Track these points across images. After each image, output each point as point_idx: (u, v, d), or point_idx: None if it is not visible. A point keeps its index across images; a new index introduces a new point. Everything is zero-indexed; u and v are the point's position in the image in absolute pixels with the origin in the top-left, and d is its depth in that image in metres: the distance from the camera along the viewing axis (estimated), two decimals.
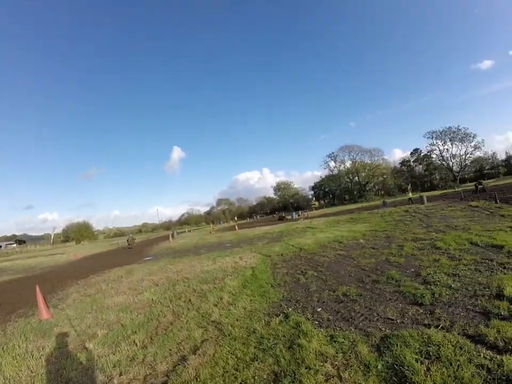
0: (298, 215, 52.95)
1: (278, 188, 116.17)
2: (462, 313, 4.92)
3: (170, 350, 4.87)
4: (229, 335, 4.92)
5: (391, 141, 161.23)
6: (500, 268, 6.87)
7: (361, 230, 16.99)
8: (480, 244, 9.41)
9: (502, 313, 4.63)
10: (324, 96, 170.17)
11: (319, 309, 5.79)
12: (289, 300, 6.53)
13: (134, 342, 5.26)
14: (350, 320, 5.19)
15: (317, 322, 5.23)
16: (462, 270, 7.14)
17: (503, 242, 8.97)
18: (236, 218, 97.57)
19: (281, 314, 5.61)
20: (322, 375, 3.67)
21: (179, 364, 4.37)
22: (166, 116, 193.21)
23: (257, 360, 4.16)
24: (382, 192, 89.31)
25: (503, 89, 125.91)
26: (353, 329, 4.79)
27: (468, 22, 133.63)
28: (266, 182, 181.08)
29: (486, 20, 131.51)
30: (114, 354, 4.89)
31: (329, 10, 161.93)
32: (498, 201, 19.94)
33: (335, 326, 5.03)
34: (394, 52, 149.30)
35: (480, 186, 33.31)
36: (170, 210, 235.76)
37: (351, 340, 4.38)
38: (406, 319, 4.97)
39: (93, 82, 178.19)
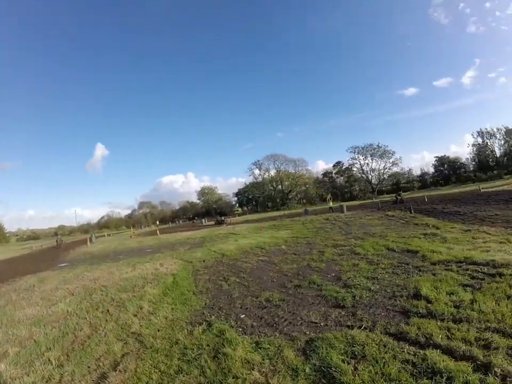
0: (222, 220, 55.56)
1: (202, 192, 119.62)
2: (383, 313, 5.50)
3: (88, 367, 4.67)
4: (151, 347, 4.99)
5: (316, 153, 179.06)
6: (416, 271, 7.89)
7: (283, 236, 18.21)
8: (396, 250, 10.69)
9: (421, 312, 5.29)
10: (254, 106, 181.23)
11: (242, 316, 6.02)
12: (212, 308, 6.78)
13: (49, 360, 5.12)
14: (274, 325, 5.43)
15: (241, 329, 5.39)
16: (380, 273, 8.02)
17: (417, 247, 10.34)
18: (157, 223, 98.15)
19: (204, 323, 5.80)
20: (250, 383, 3.78)
21: (99, 383, 4.18)
22: (91, 110, 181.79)
23: (182, 372, 4.17)
24: (304, 201, 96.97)
25: (422, 115, 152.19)
26: (278, 335, 5.01)
27: (399, 52, 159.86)
28: (191, 187, 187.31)
29: (417, 52, 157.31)
30: (28, 375, 4.71)
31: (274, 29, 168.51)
32: (412, 211, 23.06)
33: (259, 332, 5.21)
34: (328, 74, 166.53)
35: (399, 198, 37.95)
36: (89, 212, 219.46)
37: (277, 346, 4.58)
38: (330, 321, 5.36)
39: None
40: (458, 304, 5.37)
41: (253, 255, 12.71)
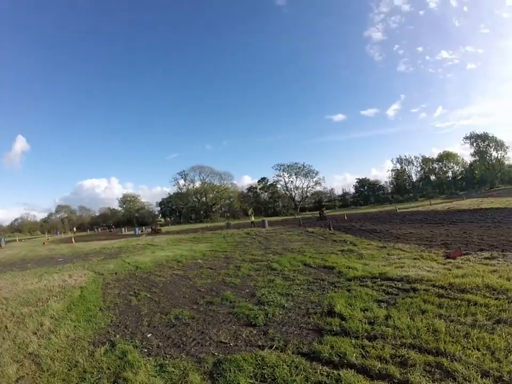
0: (142, 231, 56.00)
1: (124, 200, 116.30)
2: (295, 332, 5.41)
3: None
4: (48, 370, 4.77)
5: (243, 168, 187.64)
6: (331, 287, 8.03)
7: (202, 249, 18.49)
8: (313, 265, 10.94)
9: (334, 329, 5.26)
10: (183, 117, 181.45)
11: (149, 335, 5.94)
12: (118, 326, 6.61)
13: None
14: (182, 346, 5.25)
15: (146, 350, 5.21)
16: (295, 289, 8.05)
17: (334, 263, 10.67)
18: (75, 229, 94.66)
19: (108, 343, 5.63)
20: None
21: None
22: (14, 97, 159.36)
23: None
24: (228, 214, 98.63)
25: (347, 139, 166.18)
26: (184, 356, 4.82)
27: (333, 81, 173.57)
28: (113, 193, 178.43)
29: (349, 82, 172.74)
30: None
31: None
32: (332, 228, 24.15)
33: (165, 353, 5.00)
34: (263, 91, 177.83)
35: (322, 214, 40.65)
36: (1, 212, 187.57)
37: (182, 369, 4.37)
38: (240, 341, 5.19)
39: None
40: (372, 320, 5.44)
41: (168, 269, 12.77)
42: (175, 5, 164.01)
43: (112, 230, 78.71)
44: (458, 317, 5.24)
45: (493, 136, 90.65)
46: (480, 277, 7.07)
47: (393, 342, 4.57)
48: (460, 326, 4.88)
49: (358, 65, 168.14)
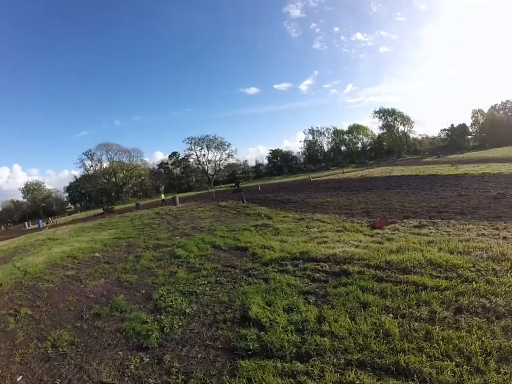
0: (47, 223, 50.12)
1: (28, 189, 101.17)
2: (200, 356, 4.12)
3: None
4: None
5: (155, 144, 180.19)
6: (244, 276, 6.65)
7: (103, 239, 16.98)
8: (223, 247, 9.55)
9: (251, 347, 3.91)
10: (90, 89, 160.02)
11: (19, 378, 4.71)
12: None
13: None
14: None
15: None
16: (201, 284, 6.64)
17: (247, 243, 9.33)
18: None
19: None
20: None
21: None
22: None
23: None
24: (140, 193, 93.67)
25: (260, 112, 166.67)
26: None
27: (249, 55, 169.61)
28: (18, 182, 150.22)
29: (264, 57, 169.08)
30: None
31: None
32: (245, 200, 22.65)
33: None
34: (175, 65, 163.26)
35: (238, 186, 40.79)
36: None
37: None
38: (126, 379, 3.93)
39: None
40: (301, 326, 4.13)
41: (60, 269, 11.21)
42: None
43: (8, 227, 68.03)
44: (410, 310, 4.13)
45: (400, 112, 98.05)
46: (419, 251, 6.13)
47: (335, 360, 3.36)
48: (416, 324, 3.79)
49: (274, 40, 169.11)
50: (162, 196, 40.72)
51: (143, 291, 7.12)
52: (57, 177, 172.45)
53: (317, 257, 6.79)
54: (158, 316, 5.46)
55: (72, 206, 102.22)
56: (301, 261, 6.81)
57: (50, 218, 59.86)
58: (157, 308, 5.92)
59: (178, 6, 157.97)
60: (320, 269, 6.11)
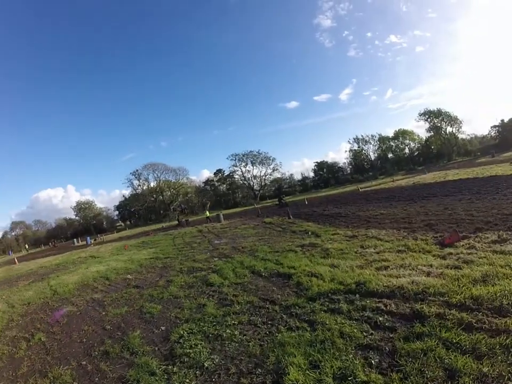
0: (95, 239, 51.08)
1: (79, 208, 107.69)
2: None
3: None
4: None
5: (201, 163, 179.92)
6: (284, 317, 5.23)
7: (141, 258, 16.46)
8: (264, 273, 8.20)
9: None
10: (135, 113, 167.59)
11: None
12: None
13: None
14: None
15: None
16: (230, 325, 5.41)
17: (291, 269, 7.93)
18: (27, 247, 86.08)
19: None
20: None
21: None
22: None
23: None
24: (187, 210, 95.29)
25: (302, 125, 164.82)
26: None
27: (286, 69, 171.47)
28: (72, 202, 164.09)
29: (301, 70, 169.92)
30: None
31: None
32: (291, 216, 21.17)
33: None
34: (215, 85, 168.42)
35: (282, 201, 38.19)
36: None
37: None
38: None
39: None
40: None
41: (89, 291, 10.89)
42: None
43: (56, 244, 71.08)
44: None
45: (446, 112, 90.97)
46: None
47: None
48: None
49: (309, 52, 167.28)
50: (207, 213, 40.01)
51: (163, 327, 6.20)
52: (108, 197, 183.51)
53: (378, 290, 5.25)
54: (170, 367, 4.46)
55: (123, 224, 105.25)
56: (357, 295, 5.30)
57: (99, 235, 61.54)
58: (172, 354, 4.93)
59: (211, 28, 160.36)
60: (384, 308, 4.57)
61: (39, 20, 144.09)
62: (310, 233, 13.31)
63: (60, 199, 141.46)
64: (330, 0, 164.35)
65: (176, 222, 49.55)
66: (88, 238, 53.62)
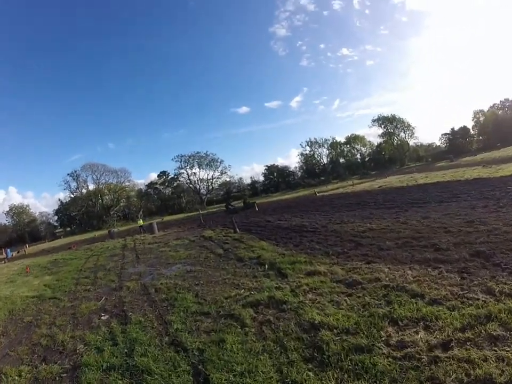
0: (18, 251, 44.58)
1: (12, 212, 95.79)
2: None
3: None
4: None
5: (148, 166, 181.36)
6: None
7: (21, 296, 11.36)
8: None
9: None
10: (84, 113, 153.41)
11: None
12: None
13: None
14: None
15: None
16: None
17: None
18: None
19: None
20: None
21: None
22: None
23: None
24: (128, 216, 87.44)
25: (252, 131, 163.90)
26: None
27: (239, 75, 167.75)
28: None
29: (254, 76, 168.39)
30: None
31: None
32: (238, 229, 16.19)
33: None
34: (166, 88, 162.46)
35: (230, 206, 36.34)
36: None
37: None
38: None
39: None
40: None
41: None
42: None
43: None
44: None
45: (400, 118, 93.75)
46: None
47: None
48: None
49: (262, 59, 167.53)
50: (140, 222, 34.63)
51: None
52: (52, 200, 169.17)
53: None
54: None
55: (62, 230, 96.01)
56: None
57: (25, 246, 53.22)
58: None
59: (167, 33, 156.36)
60: None
61: None
62: (266, 266, 8.19)
63: (1, 201, 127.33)
64: (287, 11, 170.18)
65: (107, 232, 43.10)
66: (9, 250, 44.65)
